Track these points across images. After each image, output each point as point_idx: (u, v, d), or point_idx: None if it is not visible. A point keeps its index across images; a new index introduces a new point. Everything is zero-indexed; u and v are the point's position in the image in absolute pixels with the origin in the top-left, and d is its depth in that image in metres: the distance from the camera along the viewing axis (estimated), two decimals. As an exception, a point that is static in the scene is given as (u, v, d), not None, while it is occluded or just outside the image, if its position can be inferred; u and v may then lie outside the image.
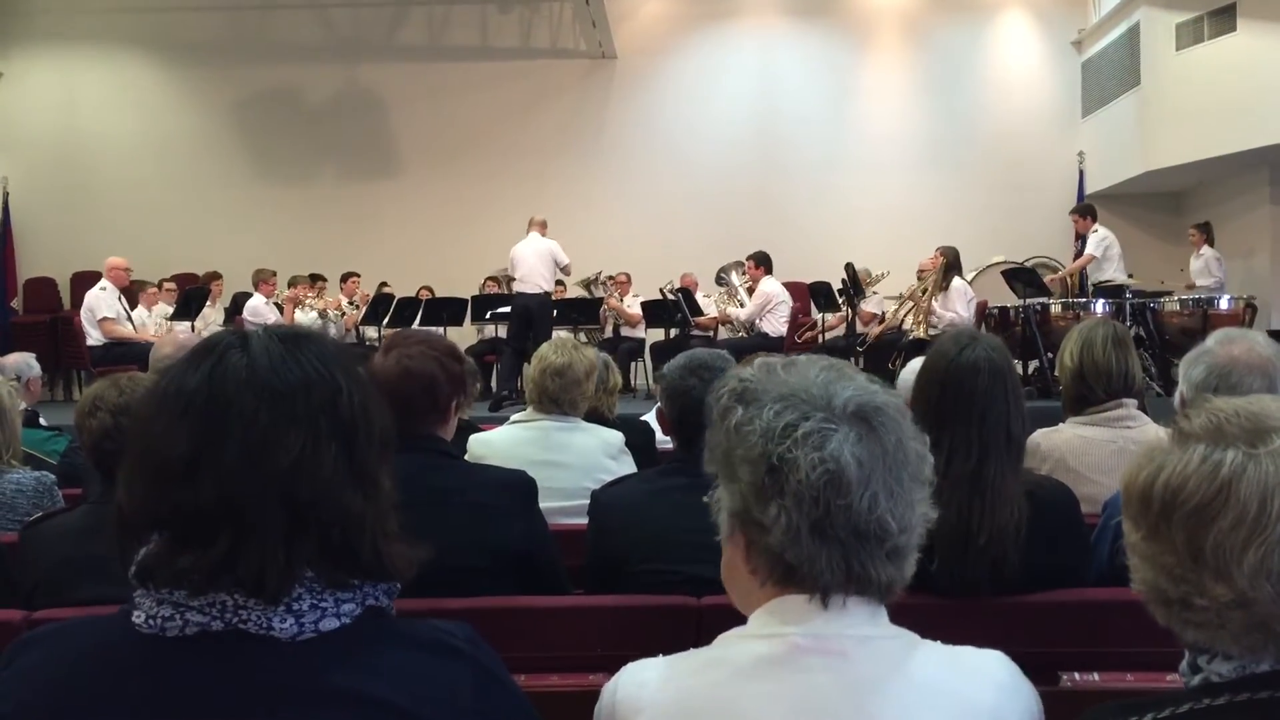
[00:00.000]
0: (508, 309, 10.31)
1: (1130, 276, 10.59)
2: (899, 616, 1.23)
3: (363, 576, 1.12)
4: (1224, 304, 9.41)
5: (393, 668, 1.10)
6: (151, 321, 10.46)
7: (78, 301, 10.12)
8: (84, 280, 10.71)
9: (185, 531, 1.08)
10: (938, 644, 1.19)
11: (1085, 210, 11.02)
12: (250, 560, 1.06)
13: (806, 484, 1.11)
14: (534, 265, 9.74)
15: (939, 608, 2.07)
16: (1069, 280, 10.92)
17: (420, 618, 1.19)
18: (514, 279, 9.99)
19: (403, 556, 1.16)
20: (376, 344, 10.98)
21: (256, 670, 1.06)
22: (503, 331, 10.64)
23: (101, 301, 9.66)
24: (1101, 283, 10.36)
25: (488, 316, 11.13)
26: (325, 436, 1.11)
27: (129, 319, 9.96)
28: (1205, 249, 10.97)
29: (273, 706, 1.05)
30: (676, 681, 1.16)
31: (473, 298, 11.11)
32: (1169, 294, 10.15)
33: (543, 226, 10.10)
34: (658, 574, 2.34)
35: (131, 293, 10.67)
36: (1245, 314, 9.28)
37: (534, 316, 9.77)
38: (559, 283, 12.41)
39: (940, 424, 2.14)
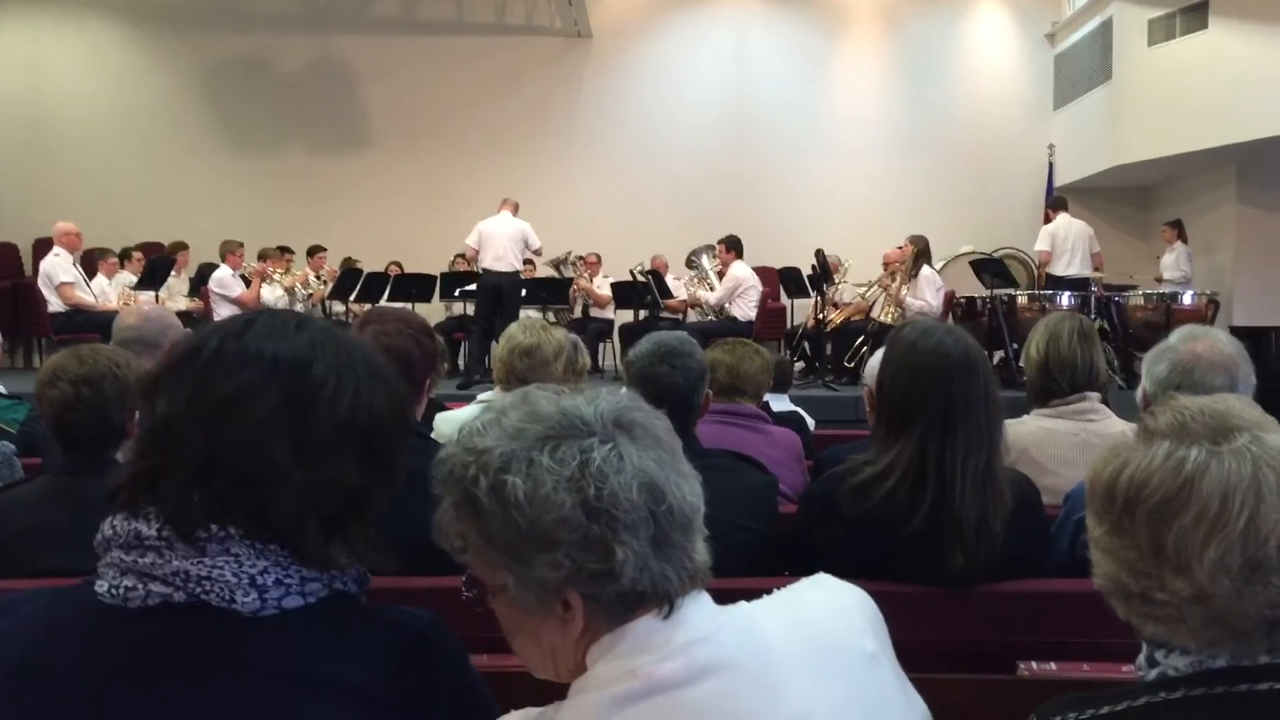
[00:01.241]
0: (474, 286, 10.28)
1: (1096, 270, 10.69)
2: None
3: (277, 539, 1.11)
4: (1187, 299, 9.54)
5: (351, 648, 1.10)
6: (113, 290, 10.33)
7: (39, 268, 10.01)
8: (46, 246, 10.56)
9: (142, 448, 1.15)
10: (760, 603, 1.15)
11: (1052, 204, 11.16)
12: (172, 488, 1.10)
13: (633, 506, 1.05)
14: (506, 245, 9.73)
15: (895, 595, 2.08)
16: (1039, 273, 11.03)
17: (386, 603, 1.19)
18: (476, 253, 9.90)
19: (361, 550, 1.17)
20: (343, 319, 10.91)
21: (217, 643, 1.07)
22: (471, 309, 10.60)
23: (57, 267, 9.57)
24: (1056, 276, 10.43)
25: (456, 294, 11.07)
26: (275, 386, 1.12)
27: (87, 286, 9.85)
28: (1178, 245, 11.19)
29: (231, 679, 1.06)
30: None
31: (441, 274, 11.04)
32: (1134, 288, 10.26)
33: (515, 208, 10.10)
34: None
35: (91, 261, 10.54)
36: (1208, 310, 9.41)
37: (503, 295, 9.76)
38: (528, 262, 12.38)
39: (946, 417, 2.14)
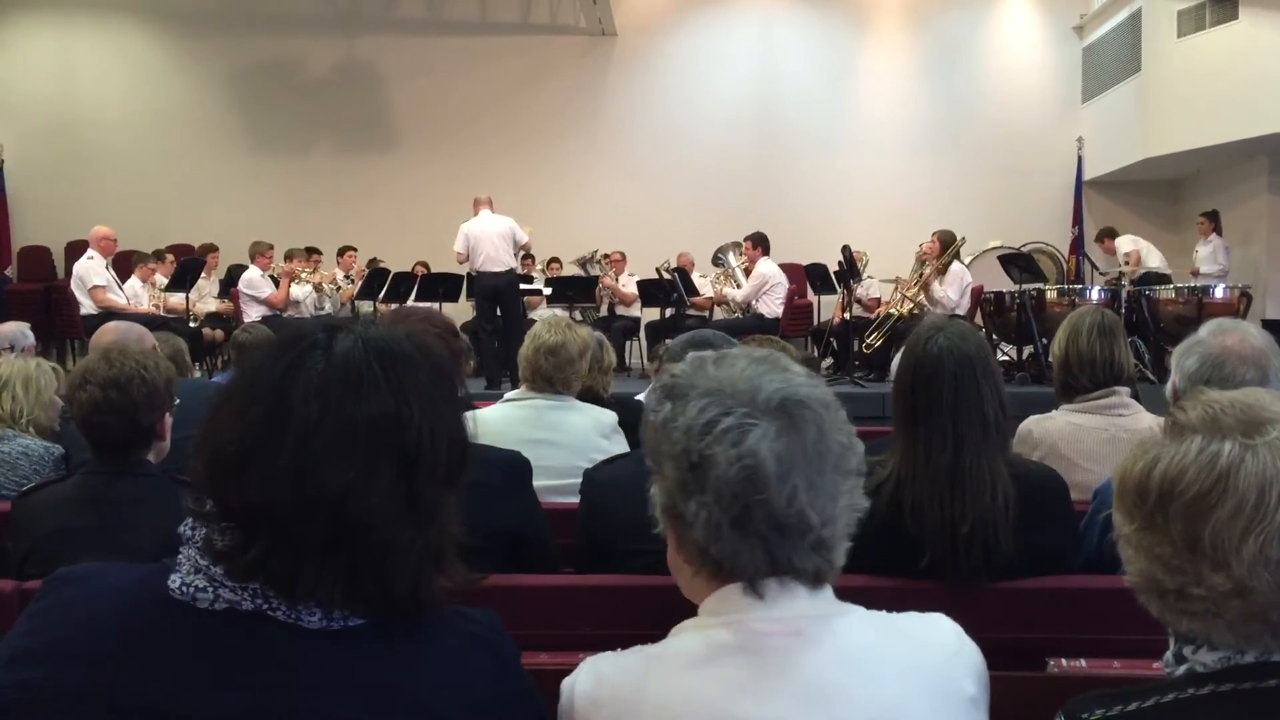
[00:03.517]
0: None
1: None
2: (879, 602, 1.23)
3: (385, 609, 1.10)
4: (1219, 293, 9.42)
5: (413, 658, 1.10)
6: (144, 293, 10.42)
7: (72, 270, 10.11)
8: (79, 249, 10.67)
9: (229, 519, 1.07)
10: (882, 614, 1.21)
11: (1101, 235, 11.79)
12: (283, 566, 1.06)
13: (725, 480, 1.11)
14: (497, 244, 9.59)
15: (925, 592, 2.07)
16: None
17: (448, 606, 1.18)
18: (465, 258, 9.78)
19: (446, 589, 1.15)
20: (371, 319, 10.92)
21: (278, 653, 1.06)
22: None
23: (90, 270, 9.65)
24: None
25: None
26: (385, 464, 1.08)
27: (119, 289, 9.93)
28: (1214, 237, 11.06)
29: (291, 690, 1.05)
30: (634, 675, 1.15)
31: (468, 274, 11.06)
32: (1165, 281, 10.18)
33: (490, 204, 9.90)
34: (648, 554, 2.33)
35: (127, 263, 10.63)
36: (1240, 303, 9.29)
37: (502, 296, 9.69)
38: (554, 260, 12.38)
39: (915, 419, 2.15)
